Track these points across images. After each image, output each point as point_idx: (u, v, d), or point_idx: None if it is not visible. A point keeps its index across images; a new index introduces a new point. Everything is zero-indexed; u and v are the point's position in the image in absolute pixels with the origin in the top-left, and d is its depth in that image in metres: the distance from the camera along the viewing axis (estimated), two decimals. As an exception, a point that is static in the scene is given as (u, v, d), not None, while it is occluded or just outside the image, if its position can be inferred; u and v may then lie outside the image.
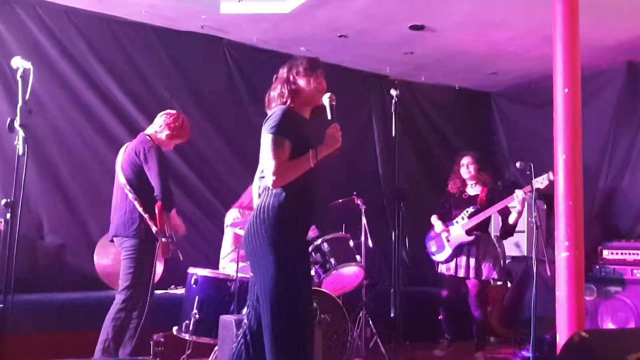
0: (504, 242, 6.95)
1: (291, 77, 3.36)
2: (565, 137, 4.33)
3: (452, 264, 5.86)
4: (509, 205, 5.70)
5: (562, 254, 4.25)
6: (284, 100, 3.31)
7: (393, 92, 4.55)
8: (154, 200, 4.45)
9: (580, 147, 4.36)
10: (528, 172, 4.90)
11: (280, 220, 3.11)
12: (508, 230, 5.97)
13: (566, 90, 4.34)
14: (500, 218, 6.00)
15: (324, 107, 3.39)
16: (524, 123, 8.39)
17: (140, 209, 4.45)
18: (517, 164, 4.98)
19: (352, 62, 7.61)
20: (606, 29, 6.26)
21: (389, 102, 4.56)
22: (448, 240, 5.88)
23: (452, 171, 6.13)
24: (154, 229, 4.41)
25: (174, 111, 4.88)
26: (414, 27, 6.42)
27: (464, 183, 6.01)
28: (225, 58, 6.93)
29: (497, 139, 8.84)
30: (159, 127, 4.75)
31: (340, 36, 6.73)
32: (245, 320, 3.30)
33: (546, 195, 5.73)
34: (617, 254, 6.33)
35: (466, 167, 5.95)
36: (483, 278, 5.77)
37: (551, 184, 5.02)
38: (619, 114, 7.30)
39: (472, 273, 5.74)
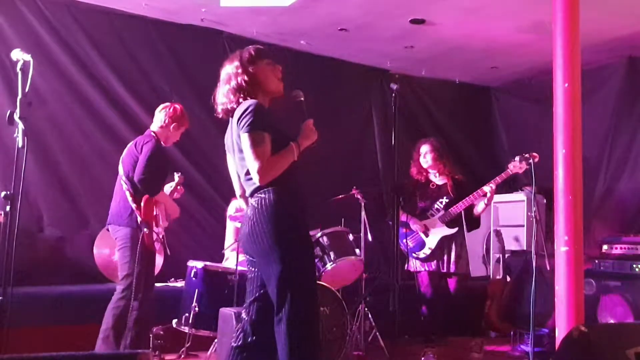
0: (504, 236, 6.96)
1: (250, 68, 3.25)
2: (565, 132, 4.32)
3: (432, 261, 5.53)
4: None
5: (561, 249, 4.26)
6: (245, 93, 3.21)
7: (393, 86, 4.54)
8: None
9: (580, 141, 4.35)
10: (527, 167, 4.89)
11: (278, 215, 3.10)
12: (474, 222, 5.68)
13: (566, 84, 4.34)
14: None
15: (283, 97, 3.34)
16: (523, 117, 8.40)
17: (130, 199, 4.54)
18: (517, 159, 4.97)
19: (352, 55, 7.61)
20: (607, 24, 6.26)
21: (389, 96, 4.56)
22: (427, 236, 5.56)
23: (412, 159, 5.77)
24: (138, 219, 4.49)
25: (168, 103, 4.97)
26: (415, 21, 6.42)
27: (426, 171, 5.69)
28: (225, 51, 6.90)
29: (496, 133, 8.86)
30: (163, 122, 4.84)
31: (341, 30, 6.73)
32: (244, 315, 3.30)
33: (546, 190, 5.71)
34: (616, 248, 6.32)
35: (424, 156, 5.65)
36: (464, 272, 5.54)
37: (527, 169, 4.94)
38: (619, 109, 7.30)
39: (452, 267, 5.48)
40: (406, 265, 5.74)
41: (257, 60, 3.29)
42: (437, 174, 5.67)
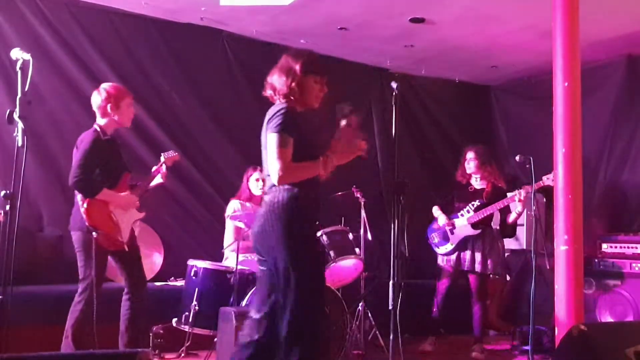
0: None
1: (304, 77, 3.36)
2: (564, 131, 4.33)
3: (453, 257, 5.84)
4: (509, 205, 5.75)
5: (561, 248, 4.26)
6: (288, 94, 3.32)
7: (393, 85, 4.54)
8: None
9: (580, 140, 4.37)
10: (527, 166, 4.89)
11: (293, 215, 3.18)
12: (508, 230, 5.99)
13: (566, 83, 4.35)
14: (499, 215, 5.97)
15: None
16: (523, 116, 8.39)
17: (80, 203, 4.35)
18: (517, 158, 4.98)
19: (352, 54, 7.60)
20: (606, 23, 6.25)
21: (389, 95, 4.55)
22: (452, 233, 5.86)
23: (459, 162, 6.16)
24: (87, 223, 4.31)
25: (95, 91, 4.62)
26: (415, 20, 6.41)
27: (469, 175, 6.03)
28: (225, 50, 6.91)
29: (496, 133, 8.84)
30: (99, 111, 4.53)
31: (341, 29, 6.72)
32: (255, 314, 3.29)
33: (546, 189, 5.73)
34: (616, 247, 6.33)
35: (468, 162, 5.99)
36: (488, 272, 5.76)
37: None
38: (618, 107, 7.29)
39: (477, 267, 5.72)
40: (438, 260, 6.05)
41: (311, 74, 3.39)
42: (479, 179, 5.99)
